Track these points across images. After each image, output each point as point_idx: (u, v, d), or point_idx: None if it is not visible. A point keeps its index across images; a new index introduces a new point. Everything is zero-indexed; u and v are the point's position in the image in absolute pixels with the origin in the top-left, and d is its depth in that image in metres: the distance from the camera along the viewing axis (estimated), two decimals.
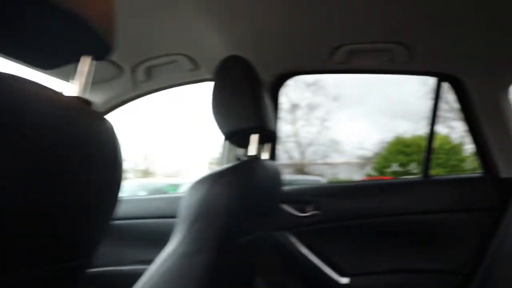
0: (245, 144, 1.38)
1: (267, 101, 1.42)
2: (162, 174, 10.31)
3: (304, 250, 1.96)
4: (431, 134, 2.00)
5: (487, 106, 1.91)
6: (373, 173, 12.55)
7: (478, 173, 2.03)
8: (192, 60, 1.87)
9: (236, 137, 1.39)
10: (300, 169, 11.42)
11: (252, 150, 1.36)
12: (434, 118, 1.97)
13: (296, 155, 9.83)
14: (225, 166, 1.28)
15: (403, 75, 1.96)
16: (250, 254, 1.49)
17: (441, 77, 1.94)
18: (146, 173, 10.10)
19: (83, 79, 0.64)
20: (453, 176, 2.08)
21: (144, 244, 2.00)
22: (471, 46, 1.71)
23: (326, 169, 12.88)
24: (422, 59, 1.81)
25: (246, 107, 1.29)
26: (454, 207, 1.92)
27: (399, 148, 10.76)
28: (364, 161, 13.67)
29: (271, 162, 1.53)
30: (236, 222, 1.24)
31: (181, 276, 1.17)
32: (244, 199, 1.25)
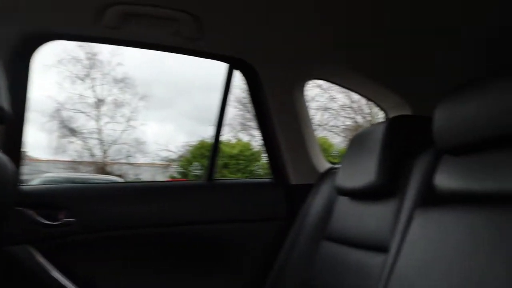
0: None
1: None
2: None
3: (53, 270, 1.47)
4: (218, 132, 1.70)
5: (281, 104, 1.70)
6: (177, 175, 12.51)
7: (267, 178, 1.80)
8: None
9: None
10: (101, 168, 10.84)
11: None
12: (223, 113, 1.68)
13: (98, 153, 9.22)
14: None
15: (193, 56, 1.61)
16: None
17: (234, 64, 1.66)
18: None
19: None
20: (240, 180, 1.80)
21: None
22: (270, 35, 1.47)
23: (128, 169, 12.46)
24: (213, 38, 1.49)
25: None
26: (240, 215, 1.67)
27: (203, 152, 10.84)
28: (168, 163, 13.55)
29: None
30: None
31: None
32: None
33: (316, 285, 1.26)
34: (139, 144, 10.16)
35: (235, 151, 11.16)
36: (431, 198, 0.98)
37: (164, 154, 11.28)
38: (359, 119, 12.31)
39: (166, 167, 13.54)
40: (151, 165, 13.74)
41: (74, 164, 10.32)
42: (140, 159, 11.08)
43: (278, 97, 1.70)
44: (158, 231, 1.58)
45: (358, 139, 1.29)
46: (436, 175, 0.98)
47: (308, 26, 1.40)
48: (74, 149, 9.51)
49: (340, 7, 1.28)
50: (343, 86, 1.82)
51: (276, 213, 1.70)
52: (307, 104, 1.77)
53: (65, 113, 9.24)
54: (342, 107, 13.32)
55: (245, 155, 10.83)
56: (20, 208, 1.44)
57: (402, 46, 1.46)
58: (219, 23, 1.42)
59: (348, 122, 13.53)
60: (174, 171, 13.08)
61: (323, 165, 1.78)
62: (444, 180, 0.95)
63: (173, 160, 13.55)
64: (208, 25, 1.42)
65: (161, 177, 13.27)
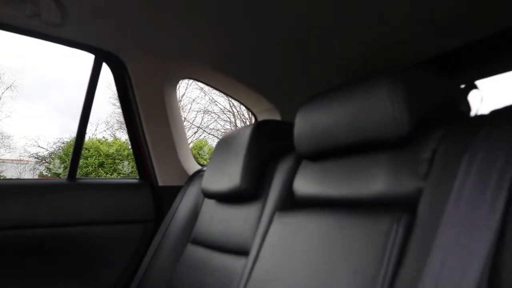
0: None
1: None
2: None
3: None
4: (82, 128, 1.58)
5: (150, 102, 1.64)
6: (47, 174, 11.74)
7: (135, 179, 1.72)
8: None
9: None
10: None
11: None
12: (89, 107, 1.57)
13: None
14: None
15: (57, 44, 1.47)
16: None
17: (101, 55, 1.55)
18: None
19: None
20: (106, 180, 1.68)
21: None
22: (140, 30, 1.39)
23: None
24: (79, 27, 1.38)
25: None
26: (105, 217, 1.57)
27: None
28: (39, 160, 12.67)
29: None
30: None
31: None
32: None
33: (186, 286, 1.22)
34: (4, 138, 9.24)
35: (111, 150, 10.71)
36: (290, 202, 1.00)
37: (34, 150, 10.41)
38: (239, 123, 12.56)
39: (36, 164, 12.65)
40: (19, 161, 12.70)
41: None
42: (5, 155, 10.13)
43: (148, 95, 1.63)
44: (14, 233, 1.41)
45: (224, 142, 1.28)
46: (295, 179, 1.00)
47: (181, 25, 1.35)
48: None
49: (212, 11, 1.26)
50: (216, 88, 1.80)
51: (143, 215, 1.62)
52: (178, 104, 1.72)
53: None
54: (223, 110, 13.49)
55: (123, 154, 10.44)
56: None
57: (272, 52, 1.48)
58: (85, 11, 1.31)
59: (228, 126, 13.73)
60: (44, 168, 12.26)
61: (193, 167, 1.74)
62: (302, 184, 0.97)
63: (44, 157, 12.68)
64: (73, 12, 1.31)
65: (29, 175, 12.33)
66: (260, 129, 1.16)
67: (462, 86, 0.90)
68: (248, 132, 1.16)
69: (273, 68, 1.58)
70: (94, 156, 10.61)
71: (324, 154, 0.90)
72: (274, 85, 1.69)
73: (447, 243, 0.57)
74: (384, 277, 0.64)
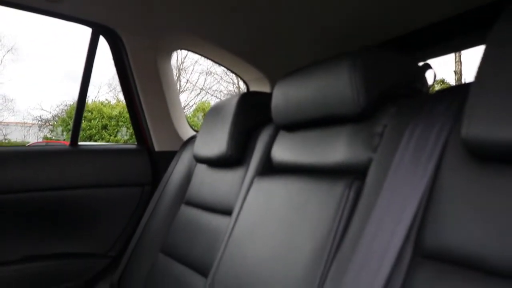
0: None
1: None
2: None
3: None
4: (83, 97, 1.68)
5: (145, 71, 1.74)
6: (51, 136, 11.88)
7: (131, 145, 1.84)
8: None
9: None
10: None
11: None
12: (87, 77, 1.66)
13: None
14: None
15: (57, 18, 1.56)
16: None
17: (98, 29, 1.64)
18: None
19: None
20: (106, 145, 1.80)
21: None
22: (133, 2, 1.47)
23: None
24: (77, 2, 1.47)
25: None
26: (104, 181, 1.68)
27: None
28: (42, 123, 12.74)
29: None
30: None
31: None
32: None
33: (175, 245, 1.33)
34: (7, 102, 9.27)
35: (115, 112, 10.83)
36: (268, 168, 1.11)
37: (37, 113, 10.44)
38: (242, 84, 12.57)
39: (39, 127, 12.76)
40: (23, 124, 12.81)
41: None
42: (9, 118, 10.17)
43: (143, 66, 1.73)
44: (13, 197, 1.54)
45: (215, 110, 1.37)
46: (273, 147, 1.11)
47: None
48: None
49: None
50: (208, 58, 1.90)
51: (141, 178, 1.75)
52: (172, 73, 1.82)
53: None
54: (225, 72, 13.45)
55: (126, 116, 10.55)
56: None
57: (263, 22, 1.56)
58: None
59: (231, 88, 13.72)
60: (48, 131, 12.39)
61: (187, 133, 1.85)
62: (279, 152, 1.08)
63: (47, 120, 12.78)
64: None
65: (33, 138, 12.46)
66: (244, 101, 1.26)
67: (420, 64, 0.99)
68: (234, 103, 1.26)
69: (262, 38, 1.66)
70: (97, 119, 10.72)
71: (296, 125, 1.01)
72: (263, 55, 1.78)
73: (384, 205, 0.68)
74: (335, 234, 0.76)
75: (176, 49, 1.79)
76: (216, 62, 1.91)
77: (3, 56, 9.13)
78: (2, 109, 8.69)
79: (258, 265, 0.91)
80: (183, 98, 13.66)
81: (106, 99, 9.71)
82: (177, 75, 13.72)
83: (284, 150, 1.05)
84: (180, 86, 13.87)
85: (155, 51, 1.73)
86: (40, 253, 1.59)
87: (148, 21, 1.59)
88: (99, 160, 1.70)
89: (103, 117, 10.78)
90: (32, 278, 1.55)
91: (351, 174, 0.82)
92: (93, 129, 10.57)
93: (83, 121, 9.79)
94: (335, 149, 0.88)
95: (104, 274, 1.67)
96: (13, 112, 8.85)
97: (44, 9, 1.51)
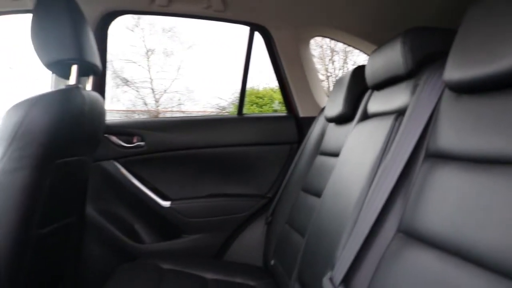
0: (68, 76, 1.49)
1: (90, 36, 1.53)
2: None
3: (131, 178, 2.14)
4: (245, 79, 2.28)
5: (289, 56, 2.24)
6: None
7: (282, 113, 2.38)
8: None
9: (57, 67, 1.49)
10: (154, 116, 11.24)
11: (72, 79, 1.48)
12: (247, 64, 2.25)
13: (151, 102, 9.57)
14: (43, 92, 1.38)
15: (221, 22, 2.20)
16: (73, 174, 1.62)
17: (253, 27, 2.21)
18: None
19: None
20: (263, 114, 2.39)
21: None
22: (280, 3, 2.00)
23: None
24: (235, 8, 2.04)
25: (66, 39, 1.41)
26: (262, 140, 2.25)
27: (253, 99, 11.16)
28: (220, 110, 13.94)
29: (93, 93, 1.66)
30: (55, 143, 1.37)
31: (4, 191, 1.31)
32: (62, 123, 1.38)
33: (312, 184, 1.67)
34: (189, 92, 10.47)
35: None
36: (364, 118, 1.48)
37: (215, 101, 11.54)
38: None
39: (217, 114, 13.96)
40: (203, 112, 14.27)
41: (128, 113, 10.60)
42: (192, 107, 11.42)
43: (287, 52, 2.24)
44: (201, 152, 2.20)
45: (339, 81, 1.74)
46: (369, 103, 1.46)
47: None
48: (128, 98, 9.74)
49: None
50: (341, 42, 2.34)
51: (289, 139, 2.25)
52: (311, 55, 2.30)
53: (117, 64, 9.40)
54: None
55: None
56: (107, 135, 2.10)
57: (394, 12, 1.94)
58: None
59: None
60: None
61: (324, 101, 2.31)
62: (370, 105, 1.41)
63: (224, 107, 13.97)
64: (231, 0, 1.98)
65: None
66: (357, 72, 1.56)
67: None
68: (349, 74, 1.60)
69: (395, 27, 2.03)
70: (268, 104, 11.54)
71: (377, 87, 1.35)
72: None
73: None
74: (380, 161, 1.09)
75: (313, 37, 2.29)
76: (343, 43, 2.34)
77: (184, 52, 10.28)
78: (186, 99, 9.89)
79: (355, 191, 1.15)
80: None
81: (276, 85, 10.31)
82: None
83: (373, 103, 1.42)
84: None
85: (297, 40, 2.23)
86: (219, 192, 2.22)
87: (291, 16, 2.11)
88: (259, 125, 2.28)
89: (274, 102, 11.55)
90: (213, 208, 2.18)
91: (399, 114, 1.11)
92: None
93: (253, 107, 10.68)
94: (399, 100, 1.16)
95: (263, 211, 2.20)
96: (194, 101, 9.94)
97: (214, 16, 2.12)
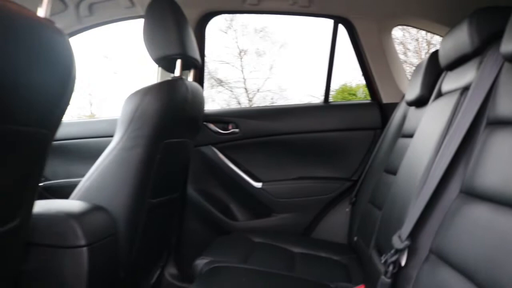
0: (173, 69, 1.77)
1: (191, 34, 1.80)
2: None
3: (226, 161, 2.39)
4: (330, 69, 2.42)
5: (372, 46, 2.35)
6: None
7: (366, 100, 2.50)
8: None
9: (164, 61, 1.78)
10: None
11: (177, 72, 1.75)
12: (332, 56, 2.39)
13: (244, 101, 9.87)
14: (154, 83, 1.68)
15: (307, 16, 2.37)
16: (177, 154, 1.90)
17: (337, 20, 2.35)
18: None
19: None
20: (348, 102, 2.51)
21: (89, 160, 2.33)
22: None
23: None
24: (319, 3, 2.20)
25: (171, 37, 1.68)
26: (347, 127, 2.38)
27: (345, 96, 11.14)
28: None
29: (194, 84, 1.93)
30: (163, 125, 1.64)
31: (121, 166, 1.61)
32: (169, 108, 1.66)
33: (393, 164, 1.73)
34: (281, 91, 10.63)
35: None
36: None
37: (308, 99, 11.60)
38: None
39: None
40: None
41: None
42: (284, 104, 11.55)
43: (370, 42, 2.35)
44: (290, 137, 2.39)
45: (418, 67, 1.83)
46: (442, 85, 1.54)
47: None
48: (222, 98, 10.03)
49: None
50: (415, 27, 2.42)
51: (373, 124, 2.35)
52: (393, 44, 2.40)
53: (211, 65, 9.71)
54: None
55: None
56: (206, 123, 2.36)
57: None
58: None
59: None
60: None
61: (406, 87, 2.38)
62: (443, 85, 1.48)
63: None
64: None
65: None
66: (433, 57, 1.65)
67: None
68: (426, 59, 1.69)
69: (468, 8, 2.07)
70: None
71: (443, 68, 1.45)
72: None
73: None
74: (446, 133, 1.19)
75: (394, 26, 2.37)
76: (424, 30, 2.42)
77: (276, 51, 10.43)
78: (278, 98, 10.07)
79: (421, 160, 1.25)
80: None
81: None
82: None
83: (446, 83, 1.46)
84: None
85: (379, 29, 2.33)
86: (307, 175, 2.39)
87: (373, 8, 2.23)
88: (344, 112, 2.41)
89: (366, 98, 11.39)
90: (301, 190, 2.36)
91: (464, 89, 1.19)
92: None
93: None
94: (466, 77, 1.23)
95: (348, 193, 2.33)
96: (286, 99, 10.07)
97: (300, 12, 2.29)
